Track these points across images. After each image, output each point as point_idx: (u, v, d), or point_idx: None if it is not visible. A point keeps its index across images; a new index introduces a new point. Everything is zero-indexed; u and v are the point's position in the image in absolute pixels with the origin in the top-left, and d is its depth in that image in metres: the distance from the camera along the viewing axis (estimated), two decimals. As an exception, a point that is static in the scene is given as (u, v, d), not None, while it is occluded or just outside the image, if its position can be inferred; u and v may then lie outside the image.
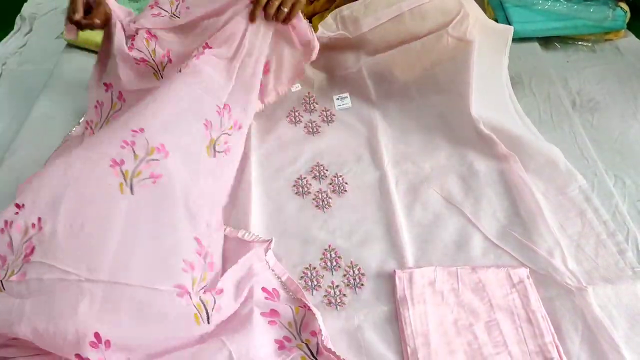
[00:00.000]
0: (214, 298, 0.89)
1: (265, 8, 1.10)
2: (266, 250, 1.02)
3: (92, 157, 0.93)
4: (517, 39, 1.51)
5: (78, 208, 0.86)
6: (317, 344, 0.90)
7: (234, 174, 1.15)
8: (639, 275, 0.98)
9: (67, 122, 1.35)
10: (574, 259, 1.02)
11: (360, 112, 1.36)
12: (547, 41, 1.61)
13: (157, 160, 0.95)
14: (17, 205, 0.87)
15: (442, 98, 1.32)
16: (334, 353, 0.88)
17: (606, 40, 1.61)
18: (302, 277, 1.03)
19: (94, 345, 0.75)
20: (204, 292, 0.90)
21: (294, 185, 1.20)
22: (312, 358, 0.89)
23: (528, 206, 1.10)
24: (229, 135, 1.11)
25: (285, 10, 1.10)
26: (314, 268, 1.04)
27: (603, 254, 1.03)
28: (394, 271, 1.00)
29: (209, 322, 0.86)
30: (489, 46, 1.29)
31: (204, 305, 0.87)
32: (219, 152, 1.08)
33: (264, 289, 0.97)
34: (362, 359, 0.90)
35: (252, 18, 1.11)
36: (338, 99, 1.39)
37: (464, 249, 1.05)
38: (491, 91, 1.31)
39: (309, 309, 0.94)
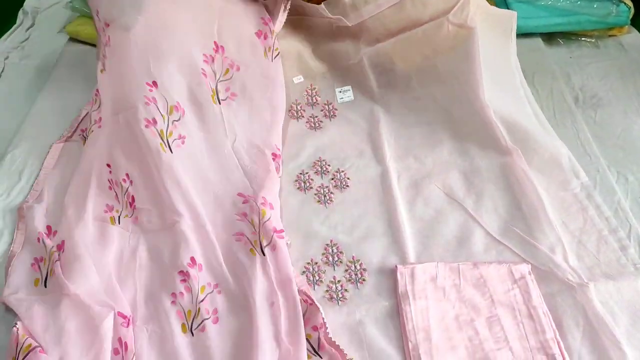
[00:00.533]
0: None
1: None
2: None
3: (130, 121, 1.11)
4: (520, 35, 1.50)
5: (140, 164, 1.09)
6: (319, 338, 0.90)
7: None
8: (641, 272, 0.98)
9: (70, 115, 1.35)
10: (575, 255, 1.02)
11: (362, 106, 1.36)
12: (550, 37, 1.60)
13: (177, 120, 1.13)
14: (108, 165, 1.11)
15: (444, 89, 1.32)
16: (337, 347, 0.89)
17: (610, 36, 1.60)
18: (303, 272, 1.03)
19: (190, 266, 0.98)
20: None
21: (296, 180, 1.20)
22: (314, 353, 0.89)
23: (530, 202, 1.10)
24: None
25: None
26: (316, 263, 1.04)
27: (605, 250, 1.03)
28: (396, 266, 1.01)
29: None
30: (493, 32, 1.28)
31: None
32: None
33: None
34: (363, 353, 0.91)
35: None
36: (340, 91, 1.39)
37: (466, 245, 1.05)
38: (499, 79, 1.30)
39: (312, 303, 0.94)
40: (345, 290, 1.00)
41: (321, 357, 0.89)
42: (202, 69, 1.18)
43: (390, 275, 1.01)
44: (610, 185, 1.15)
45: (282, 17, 1.28)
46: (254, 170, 1.14)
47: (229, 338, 0.92)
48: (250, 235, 1.03)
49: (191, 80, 1.16)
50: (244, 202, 1.09)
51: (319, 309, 0.93)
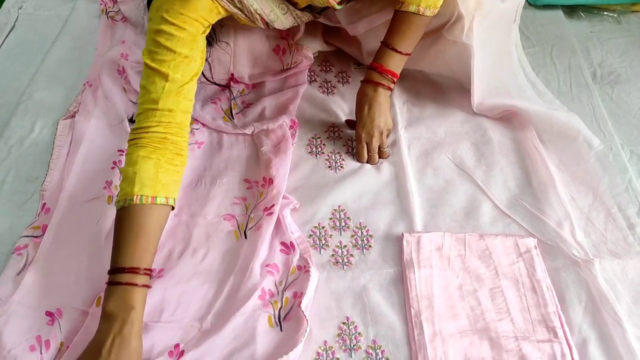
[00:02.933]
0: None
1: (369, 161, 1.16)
2: (289, 208, 1.05)
3: None
4: (542, 6, 1.48)
5: None
6: (291, 308, 0.92)
7: None
8: (647, 251, 0.98)
9: (82, 67, 1.35)
10: (582, 232, 1.02)
11: None
12: (572, 10, 1.57)
13: None
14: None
15: (452, 77, 1.31)
16: (302, 319, 0.89)
17: (633, 11, 1.57)
18: (310, 235, 1.04)
19: None
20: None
21: (308, 145, 1.20)
22: (277, 322, 0.90)
23: (540, 176, 1.10)
24: None
25: (387, 150, 1.17)
26: (323, 227, 1.05)
27: (612, 228, 1.03)
28: (402, 234, 1.01)
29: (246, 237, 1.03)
30: (496, 16, 1.24)
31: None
32: None
33: (282, 243, 1.00)
34: (366, 318, 0.92)
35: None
36: (355, 64, 1.38)
37: (473, 216, 1.06)
38: (501, 75, 1.28)
39: (307, 271, 0.95)
40: (351, 255, 1.01)
41: (281, 329, 0.90)
42: None
43: (396, 242, 1.02)
44: (622, 164, 1.14)
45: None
46: (267, 152, 1.14)
47: None
48: (240, 216, 1.06)
49: None
50: (248, 188, 1.11)
51: (309, 278, 0.94)
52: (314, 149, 1.19)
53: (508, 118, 1.23)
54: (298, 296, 0.93)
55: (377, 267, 0.99)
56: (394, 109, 1.25)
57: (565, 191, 1.08)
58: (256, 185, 1.10)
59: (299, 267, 0.97)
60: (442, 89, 1.30)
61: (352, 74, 1.36)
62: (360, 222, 1.06)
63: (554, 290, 0.93)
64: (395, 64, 1.12)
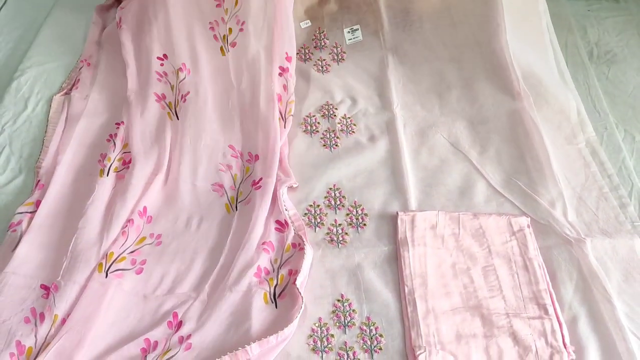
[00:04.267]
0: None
1: None
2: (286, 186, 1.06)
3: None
4: (540, -16, 1.45)
5: None
6: (286, 285, 0.93)
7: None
8: (638, 230, 0.99)
9: (76, 43, 1.34)
10: (574, 211, 1.03)
11: (371, 49, 1.34)
12: (570, -12, 1.55)
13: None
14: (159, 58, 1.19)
15: (454, 33, 1.30)
16: (297, 296, 0.90)
17: (631, -10, 1.55)
18: (305, 214, 1.04)
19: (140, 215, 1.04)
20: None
21: (302, 123, 1.20)
22: (272, 299, 0.92)
23: (535, 155, 1.10)
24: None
25: None
26: (318, 206, 1.06)
27: (604, 207, 1.04)
28: (397, 213, 1.02)
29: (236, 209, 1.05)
30: None
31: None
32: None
33: (277, 221, 1.01)
34: (360, 295, 0.93)
35: None
36: (349, 31, 1.37)
37: (468, 195, 1.06)
38: (523, 23, 1.27)
39: (302, 248, 0.96)
40: (346, 233, 1.02)
41: (276, 306, 0.91)
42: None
43: (390, 221, 1.03)
44: (616, 143, 1.14)
45: None
46: (252, 124, 1.15)
47: None
48: (229, 189, 1.07)
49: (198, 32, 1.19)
50: (232, 155, 1.12)
51: (303, 256, 0.95)
52: (309, 127, 1.19)
53: (508, 86, 1.21)
54: (293, 274, 0.94)
55: (371, 245, 1.00)
56: (389, 86, 1.25)
57: (559, 169, 1.08)
58: (241, 158, 1.12)
59: (293, 245, 0.98)
60: (438, 65, 1.29)
61: (346, 50, 1.34)
62: (355, 201, 1.06)
63: (546, 268, 0.94)
64: None
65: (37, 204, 1.03)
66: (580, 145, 1.13)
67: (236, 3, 1.19)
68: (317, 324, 0.90)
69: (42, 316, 0.89)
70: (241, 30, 1.18)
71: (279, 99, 1.15)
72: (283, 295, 0.92)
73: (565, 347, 0.85)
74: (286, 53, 1.19)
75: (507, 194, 1.06)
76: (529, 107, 1.16)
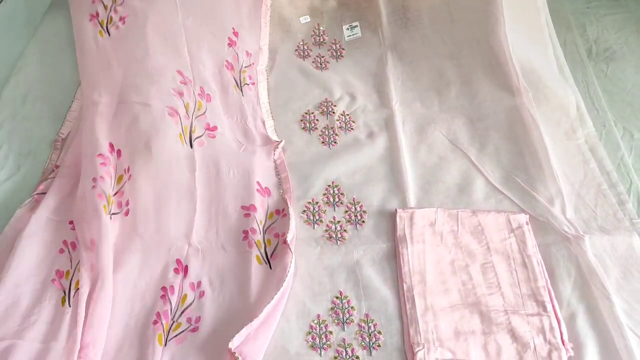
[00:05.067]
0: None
1: None
2: (274, 149, 1.08)
3: None
4: (539, -19, 1.45)
5: None
6: (276, 246, 0.96)
7: None
8: (637, 227, 0.99)
9: (73, 41, 1.33)
10: (573, 208, 1.03)
11: (370, 46, 1.34)
12: (569, -15, 1.55)
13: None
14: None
15: (453, 29, 1.30)
16: (288, 252, 0.93)
17: (630, -14, 1.55)
18: (304, 210, 1.04)
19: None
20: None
21: (301, 120, 1.20)
22: (265, 260, 0.95)
23: (534, 151, 1.10)
24: None
25: None
26: (317, 203, 1.06)
27: (602, 204, 1.04)
28: (396, 210, 1.02)
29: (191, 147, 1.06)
30: None
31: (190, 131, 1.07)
32: None
33: (258, 183, 1.04)
34: (359, 292, 0.93)
35: None
36: (348, 28, 1.37)
37: (466, 192, 1.06)
38: (523, 17, 1.28)
39: (284, 215, 0.99)
40: (345, 230, 1.02)
41: (270, 267, 0.94)
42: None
43: (389, 218, 1.03)
44: (615, 141, 1.14)
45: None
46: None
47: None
48: (183, 118, 1.08)
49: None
50: (181, 82, 1.11)
51: (289, 222, 0.97)
52: (308, 124, 1.19)
53: (508, 82, 1.20)
54: (281, 235, 0.96)
55: (370, 242, 1.00)
56: (388, 83, 1.25)
57: (557, 166, 1.08)
58: (191, 86, 1.12)
59: (277, 212, 1.00)
60: (437, 62, 1.29)
61: (345, 46, 1.34)
62: (353, 198, 1.06)
63: (544, 266, 0.94)
64: None
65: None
66: (579, 141, 1.13)
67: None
68: (315, 321, 0.90)
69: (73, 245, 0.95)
70: None
71: (231, 67, 1.18)
72: (275, 256, 0.95)
73: (563, 344, 0.85)
74: (233, 28, 1.21)
75: (505, 191, 1.06)
76: (529, 103, 1.16)
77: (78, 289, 0.87)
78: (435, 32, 1.32)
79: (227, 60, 1.17)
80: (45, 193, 1.02)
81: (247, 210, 0.99)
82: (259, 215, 0.99)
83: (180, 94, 1.08)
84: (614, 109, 1.22)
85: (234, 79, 1.17)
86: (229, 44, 1.19)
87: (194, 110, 1.09)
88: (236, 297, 0.91)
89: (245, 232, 0.97)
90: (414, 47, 1.32)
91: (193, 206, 1.00)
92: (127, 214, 0.98)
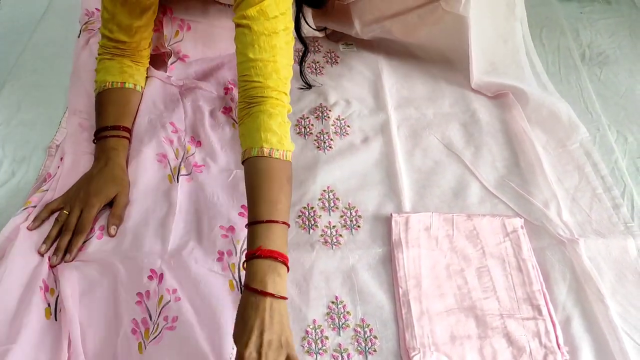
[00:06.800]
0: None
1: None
2: None
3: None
4: (532, -14, 1.46)
5: None
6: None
7: None
8: (631, 231, 1.00)
9: (69, 47, 1.33)
10: (568, 211, 1.03)
11: (365, 56, 1.35)
12: (562, -10, 1.57)
13: None
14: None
15: (443, 53, 1.32)
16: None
17: (623, -8, 1.57)
18: (299, 215, 1.04)
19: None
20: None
21: (296, 125, 1.20)
22: (238, 287, 0.90)
23: (528, 157, 1.11)
24: None
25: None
26: (312, 208, 1.06)
27: (597, 208, 1.04)
28: (391, 214, 1.02)
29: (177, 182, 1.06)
30: None
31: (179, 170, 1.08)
32: None
33: (242, 207, 1.01)
34: (354, 297, 0.93)
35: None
36: (344, 44, 1.38)
37: (461, 197, 1.07)
38: (500, 51, 1.29)
39: None
40: (340, 235, 1.02)
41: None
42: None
43: (385, 222, 1.03)
44: (609, 144, 1.15)
45: None
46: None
47: None
48: (173, 160, 1.09)
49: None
50: (173, 132, 1.12)
51: None
52: (303, 129, 1.19)
53: (498, 98, 1.23)
54: None
55: (365, 247, 1.00)
56: (383, 90, 1.25)
57: (552, 172, 1.09)
58: (182, 135, 1.13)
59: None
60: (432, 69, 1.31)
61: (340, 54, 1.35)
62: (349, 203, 1.06)
63: (539, 269, 0.95)
64: (280, 242, 0.81)
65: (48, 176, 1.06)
66: (573, 146, 1.13)
67: None
68: (311, 326, 0.90)
69: None
70: None
71: (229, 110, 1.19)
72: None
73: (559, 348, 0.85)
74: (228, 82, 1.22)
75: (500, 195, 1.06)
76: (519, 116, 1.18)
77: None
78: (428, 52, 1.34)
79: (224, 107, 1.18)
80: (36, 206, 0.99)
81: (226, 231, 0.97)
82: (238, 236, 0.96)
83: (171, 142, 1.10)
84: (608, 112, 1.23)
85: (232, 118, 1.17)
86: (225, 93, 1.20)
87: (183, 154, 1.10)
88: (209, 323, 0.85)
89: (221, 253, 0.94)
90: (409, 60, 1.34)
91: (170, 224, 0.97)
92: (100, 237, 0.96)
